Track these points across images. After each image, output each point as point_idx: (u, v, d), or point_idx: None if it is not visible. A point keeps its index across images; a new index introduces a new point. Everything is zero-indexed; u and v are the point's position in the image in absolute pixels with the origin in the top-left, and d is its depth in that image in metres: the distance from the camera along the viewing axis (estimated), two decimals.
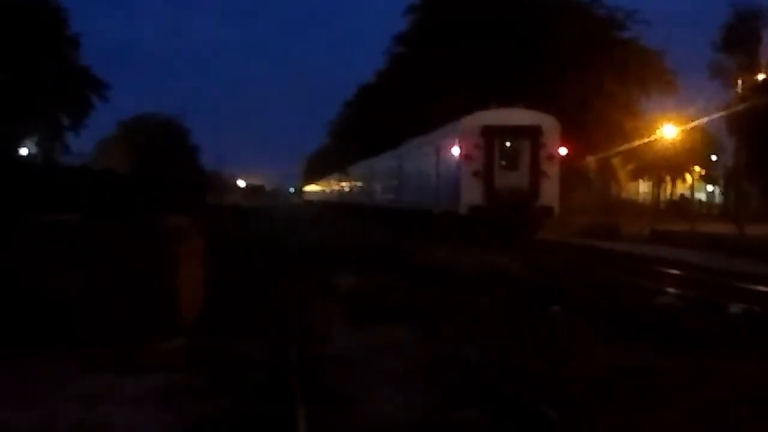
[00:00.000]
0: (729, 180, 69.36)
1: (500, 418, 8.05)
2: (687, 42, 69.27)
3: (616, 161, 63.05)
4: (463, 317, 13.92)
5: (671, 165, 67.54)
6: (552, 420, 7.76)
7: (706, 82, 58.63)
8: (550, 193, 28.81)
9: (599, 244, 31.96)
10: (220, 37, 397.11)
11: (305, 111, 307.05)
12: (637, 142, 48.71)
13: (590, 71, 47.81)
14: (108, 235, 11.45)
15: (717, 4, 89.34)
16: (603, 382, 9.42)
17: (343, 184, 77.22)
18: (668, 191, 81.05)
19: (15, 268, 11.15)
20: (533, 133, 28.68)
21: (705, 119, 47.00)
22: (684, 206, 64.69)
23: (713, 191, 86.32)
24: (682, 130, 46.43)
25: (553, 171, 28.88)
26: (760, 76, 49.92)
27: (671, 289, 17.72)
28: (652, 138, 47.98)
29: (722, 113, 47.59)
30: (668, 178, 77.46)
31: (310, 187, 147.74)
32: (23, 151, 60.26)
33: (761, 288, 17.66)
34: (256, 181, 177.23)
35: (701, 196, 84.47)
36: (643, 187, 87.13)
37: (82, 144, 72.65)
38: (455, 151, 29.56)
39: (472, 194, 28.41)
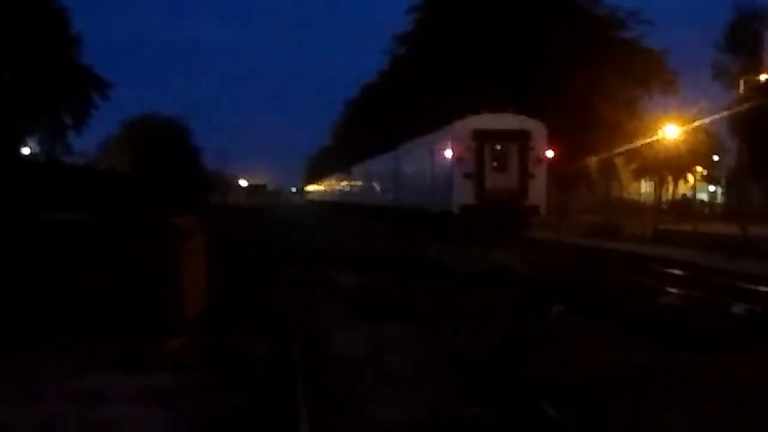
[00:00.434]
0: (731, 180, 69.28)
1: (505, 417, 8.02)
2: (689, 42, 69.17)
3: (618, 161, 63.01)
4: (466, 316, 13.91)
5: (673, 165, 67.34)
6: (556, 419, 7.73)
7: (708, 83, 58.64)
8: (537, 193, 30.32)
9: (602, 244, 31.95)
10: (224, 36, 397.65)
11: (308, 111, 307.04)
12: (639, 142, 48.64)
13: (592, 71, 47.81)
14: (112, 233, 11.46)
15: (720, 4, 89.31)
16: (608, 381, 9.40)
17: (345, 183, 77.27)
18: (670, 191, 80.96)
19: (19, 265, 11.15)
20: (522, 137, 30.22)
21: (707, 119, 46.92)
22: (686, 206, 64.67)
23: (715, 191, 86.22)
24: (684, 131, 46.31)
25: (540, 172, 30.43)
26: (763, 77, 49.80)
27: (674, 289, 17.68)
28: (654, 138, 47.89)
29: (724, 113, 47.50)
30: (670, 179, 77.31)
31: (312, 187, 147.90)
32: (25, 151, 60.28)
33: (765, 288, 17.62)
34: (258, 181, 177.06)
35: (703, 196, 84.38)
36: (645, 187, 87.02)
37: (84, 143, 72.79)
38: (448, 153, 30.98)
39: (464, 194, 29.89)
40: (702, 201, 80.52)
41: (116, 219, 12.41)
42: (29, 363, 9.74)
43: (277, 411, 7.96)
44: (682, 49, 67.64)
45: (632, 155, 59.26)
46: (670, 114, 47.34)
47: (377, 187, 53.17)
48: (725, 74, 57.46)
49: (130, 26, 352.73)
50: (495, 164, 30.09)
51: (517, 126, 30.74)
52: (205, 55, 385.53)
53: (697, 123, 46.37)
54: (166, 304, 11.10)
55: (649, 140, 48.23)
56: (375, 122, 68.32)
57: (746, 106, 43.01)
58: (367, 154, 59.64)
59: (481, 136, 30.15)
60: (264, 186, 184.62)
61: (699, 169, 74.02)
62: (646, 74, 51.41)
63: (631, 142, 48.94)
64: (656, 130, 47.29)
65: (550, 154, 31.37)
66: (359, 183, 64.44)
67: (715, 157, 75.06)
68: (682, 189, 79.25)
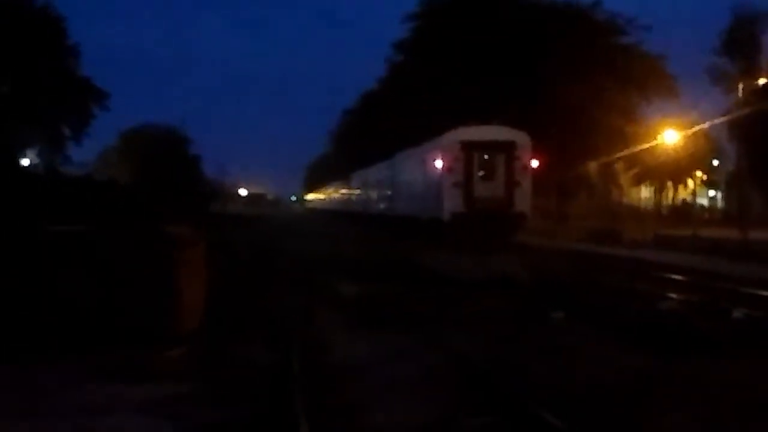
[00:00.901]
0: (731, 185, 69.30)
1: (508, 426, 8.01)
2: (688, 47, 69.31)
3: (617, 167, 62.99)
4: (467, 324, 13.91)
5: (673, 170, 67.45)
6: (557, 427, 7.72)
7: (707, 87, 58.66)
8: (523, 200, 31.25)
9: (602, 250, 31.97)
10: (223, 45, 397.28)
11: (307, 119, 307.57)
12: (638, 148, 48.67)
13: (591, 77, 47.91)
14: (112, 243, 11.45)
15: (718, 9, 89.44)
16: (610, 387, 9.40)
17: (344, 192, 77.31)
18: (670, 196, 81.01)
19: (19, 276, 11.14)
20: (508, 148, 31.16)
21: (706, 124, 46.91)
22: (686, 211, 64.68)
23: (715, 196, 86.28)
24: (684, 135, 46.35)
25: (525, 181, 31.34)
26: (761, 81, 49.84)
27: (675, 295, 17.69)
28: (653, 143, 47.93)
29: (724, 118, 47.48)
30: (670, 184, 77.41)
31: (312, 196, 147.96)
32: (25, 162, 60.28)
33: (765, 292, 17.62)
34: (258, 190, 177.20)
35: (703, 201, 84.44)
36: (645, 192, 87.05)
37: (84, 154, 72.78)
38: (438, 163, 32.30)
39: (453, 202, 30.94)
40: (702, 206, 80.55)
41: (116, 229, 12.40)
42: (29, 373, 9.73)
43: (277, 421, 7.95)
44: (681, 53, 67.90)
45: (632, 160, 59.26)
46: (670, 119, 47.39)
47: (375, 195, 53.95)
48: (724, 78, 57.52)
49: (128, 36, 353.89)
50: (483, 173, 31.21)
51: (503, 137, 31.91)
52: (204, 64, 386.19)
53: (696, 128, 46.40)
54: (165, 314, 11.09)
55: (648, 145, 48.27)
56: (374, 130, 68.35)
57: (745, 110, 43.03)
58: (366, 162, 59.71)
59: (470, 147, 31.25)
60: (263, 195, 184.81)
61: (699, 173, 74.07)
62: (645, 79, 51.48)
63: (631, 148, 49.00)
64: (656, 136, 47.34)
65: (534, 163, 32.78)
66: (358, 191, 64.60)
67: (715, 162, 75.12)
68: (682, 194, 79.31)
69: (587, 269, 24.16)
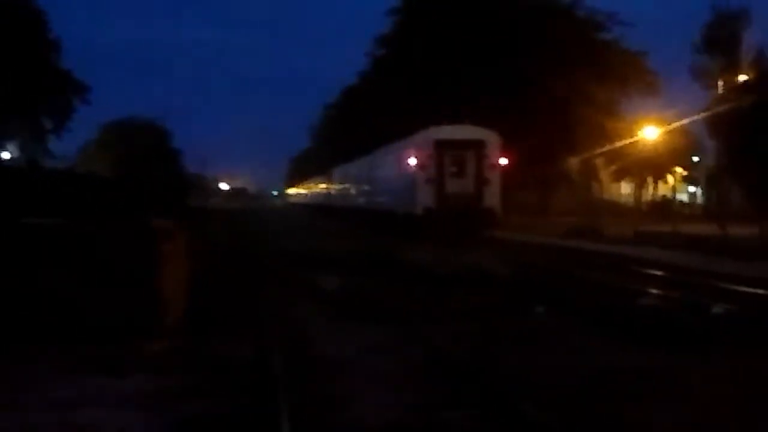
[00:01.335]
0: (710, 181, 69.70)
1: (487, 419, 8.05)
2: (669, 45, 69.57)
3: (598, 162, 63.28)
4: (446, 318, 13.96)
5: (653, 166, 67.86)
6: (537, 421, 7.77)
7: (688, 84, 58.99)
8: (492, 196, 33.10)
9: (583, 245, 32.07)
10: (204, 39, 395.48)
11: (289, 113, 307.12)
12: (618, 143, 48.92)
13: (572, 72, 48.07)
14: (92, 236, 11.42)
15: (698, 8, 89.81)
16: (590, 382, 9.46)
17: (325, 186, 77.34)
18: (650, 192, 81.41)
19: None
20: (478, 146, 33.10)
21: (687, 120, 47.21)
22: (666, 207, 65.00)
23: (695, 192, 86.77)
24: (664, 132, 46.61)
25: (494, 178, 33.21)
26: (741, 78, 50.16)
27: (654, 290, 17.77)
28: (634, 139, 48.16)
29: (704, 114, 47.82)
30: (650, 179, 77.79)
31: (293, 190, 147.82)
32: (5, 155, 59.90)
33: (744, 288, 17.74)
34: (239, 185, 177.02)
35: (683, 197, 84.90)
36: (626, 188, 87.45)
37: (65, 147, 72.40)
38: (412, 161, 34.07)
39: (425, 198, 32.90)
40: (682, 202, 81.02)
41: (96, 222, 12.36)
42: (8, 367, 9.70)
43: (259, 414, 7.96)
44: (662, 51, 68.11)
45: (613, 156, 59.54)
46: (651, 115, 47.61)
47: (355, 190, 55.22)
48: (704, 75, 57.88)
49: (109, 29, 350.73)
50: (454, 170, 32.96)
51: (473, 136, 33.64)
52: (185, 57, 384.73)
53: (676, 124, 46.67)
54: (146, 307, 11.07)
55: (629, 141, 48.51)
56: (355, 125, 68.34)
57: (725, 106, 43.31)
58: (348, 157, 59.81)
59: (442, 145, 32.99)
60: (245, 189, 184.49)
61: (678, 169, 74.47)
62: (626, 75, 51.69)
63: (612, 143, 49.21)
64: (636, 131, 47.56)
65: (503, 161, 34.08)
66: (339, 186, 64.98)
67: (695, 158, 75.53)
68: (663, 190, 79.72)
69: (568, 264, 24.24)
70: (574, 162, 55.26)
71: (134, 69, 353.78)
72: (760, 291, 17.29)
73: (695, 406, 8.59)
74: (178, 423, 7.80)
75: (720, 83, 47.15)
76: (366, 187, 49.14)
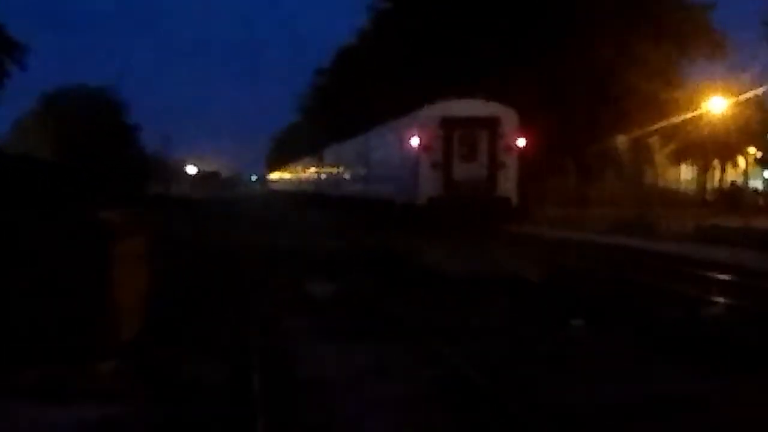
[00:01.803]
0: None
1: None
2: None
3: (652, 142, 63.15)
4: (463, 332, 13.97)
5: (720, 146, 67.62)
6: None
7: (764, 45, 58.71)
8: (507, 183, 33.55)
9: (632, 243, 32.07)
10: None
11: (271, 81, 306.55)
12: (677, 118, 48.79)
13: (620, 32, 47.87)
14: (28, 233, 11.42)
15: None
16: (634, 413, 9.48)
17: (315, 170, 77.24)
18: (716, 178, 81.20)
19: None
20: (491, 124, 33.51)
21: (762, 89, 47.11)
22: (736, 196, 64.84)
23: None
24: (734, 103, 46.53)
25: (511, 162, 33.68)
26: None
27: (720, 299, 17.78)
28: (696, 113, 48.08)
29: None
30: (716, 163, 77.57)
31: (276, 175, 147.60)
32: None
33: None
34: (210, 168, 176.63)
35: (757, 184, 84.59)
36: (686, 173, 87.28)
37: None
38: (414, 141, 34.52)
39: (430, 185, 33.33)
40: (756, 190, 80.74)
41: (33, 215, 12.36)
42: None
43: None
44: (732, 2, 67.77)
45: (670, 134, 59.39)
46: (717, 83, 47.52)
47: (348, 175, 55.94)
48: None
49: None
50: (463, 153, 33.34)
51: (486, 112, 33.96)
52: (143, 12, 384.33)
53: (749, 94, 46.58)
54: (95, 320, 11.08)
55: (690, 115, 48.42)
56: (352, 95, 68.19)
57: None
58: (343, 135, 59.73)
59: (450, 124, 33.35)
60: (217, 174, 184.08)
61: (752, 150, 74.21)
62: (687, 35, 51.44)
63: (669, 118, 49.07)
64: (699, 103, 47.47)
65: (521, 142, 34.46)
66: (331, 170, 64.99)
67: None
68: (732, 175, 79.50)
69: (613, 267, 24.25)
70: (621, 141, 55.18)
71: (81, 26, 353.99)
72: None
73: None
74: None
75: None
76: (361, 173, 49.70)
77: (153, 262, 13.76)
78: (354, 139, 53.25)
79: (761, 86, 46.89)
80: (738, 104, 47.34)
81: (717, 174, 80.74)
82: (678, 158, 77.32)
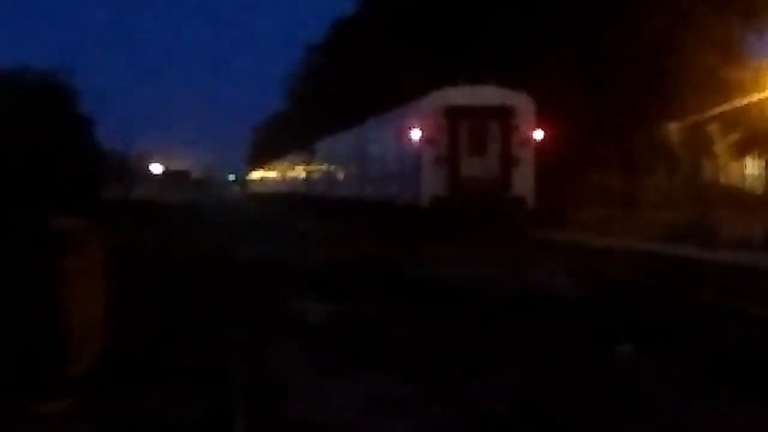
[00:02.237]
0: None
1: None
2: None
3: (711, 130, 63.13)
4: (486, 361, 13.93)
5: None
6: None
7: None
8: (522, 181, 35.41)
9: (688, 252, 32.05)
10: None
11: (253, 62, 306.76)
12: (741, 102, 48.74)
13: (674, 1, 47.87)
14: None
15: None
16: None
17: (305, 168, 77.26)
18: None
19: None
20: (504, 114, 35.47)
21: None
22: None
23: None
24: None
25: (526, 157, 35.51)
26: None
27: None
28: (764, 96, 48.02)
29: None
30: None
31: (258, 174, 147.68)
32: None
33: None
34: (179, 166, 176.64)
35: None
36: (752, 167, 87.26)
37: None
38: (416, 134, 36.10)
39: (434, 184, 35.09)
40: None
41: None
42: None
43: None
44: None
45: (733, 121, 59.38)
46: None
47: (342, 174, 57.54)
48: None
49: None
50: (472, 147, 35.26)
51: (498, 100, 35.83)
52: None
53: None
54: (42, 350, 11.07)
55: (757, 99, 48.34)
56: (352, 76, 68.13)
57: None
58: (340, 126, 59.78)
59: (456, 113, 35.22)
60: (187, 173, 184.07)
61: None
62: (754, 3, 51.39)
63: (731, 102, 49.01)
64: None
65: (539, 134, 35.98)
66: (324, 168, 65.15)
67: None
68: None
69: (667, 281, 24.23)
70: (674, 130, 55.13)
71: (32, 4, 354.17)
72: None
73: None
74: None
75: None
76: (357, 171, 50.97)
77: (112, 280, 13.74)
78: (349, 132, 54.49)
79: None
80: None
81: None
82: (742, 150, 77.13)
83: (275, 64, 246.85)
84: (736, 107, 49.53)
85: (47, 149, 63.88)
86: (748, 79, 48.84)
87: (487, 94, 36.05)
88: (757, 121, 58.79)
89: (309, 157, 74.36)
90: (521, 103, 35.68)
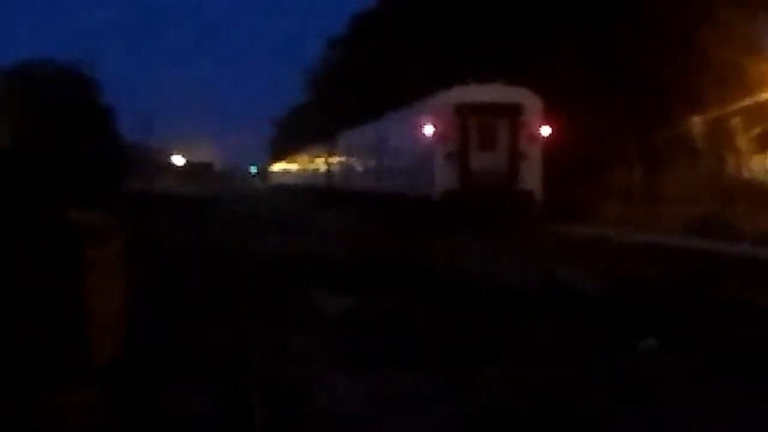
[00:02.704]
0: None
1: None
2: None
3: (734, 124, 62.89)
4: (507, 356, 13.90)
5: None
6: None
7: None
8: (530, 176, 37.12)
9: (711, 246, 31.95)
10: None
11: (276, 55, 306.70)
12: (765, 95, 48.55)
13: None
14: None
15: None
16: None
17: (327, 161, 77.20)
18: None
19: None
20: (512, 112, 37.26)
21: None
22: None
23: None
24: None
25: (534, 153, 37.31)
26: None
27: None
28: None
29: None
30: None
31: (280, 166, 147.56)
32: None
33: None
34: (201, 158, 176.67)
35: None
36: None
37: None
38: (428, 130, 37.88)
39: (446, 178, 36.72)
40: None
41: None
42: None
43: None
44: None
45: (756, 115, 59.14)
46: None
47: (361, 167, 59.13)
48: None
49: None
50: (481, 143, 36.96)
51: (507, 98, 37.61)
52: None
53: None
54: (67, 340, 11.07)
55: None
56: (373, 69, 68.04)
57: None
58: (362, 118, 59.85)
59: (466, 110, 36.91)
60: (209, 165, 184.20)
61: None
62: None
63: (755, 94, 48.81)
64: None
65: (546, 131, 37.64)
66: (345, 161, 65.41)
67: None
68: None
69: (688, 275, 24.13)
70: (696, 124, 54.94)
71: None
72: None
73: None
74: None
75: None
76: (373, 164, 52.84)
77: (134, 272, 13.75)
78: (367, 127, 56.05)
79: None
80: None
81: None
82: (765, 144, 76.94)
83: (297, 57, 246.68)
84: (759, 101, 49.31)
85: (70, 141, 63.96)
86: None
87: (497, 93, 37.71)
88: None
89: (329, 149, 74.41)
90: (529, 101, 37.30)
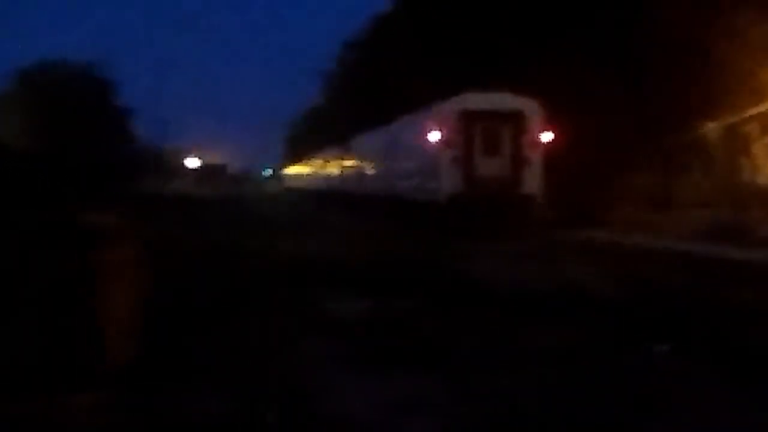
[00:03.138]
0: None
1: None
2: None
3: (749, 130, 62.76)
4: (518, 360, 13.89)
5: None
6: None
7: None
8: (532, 180, 38.62)
9: (725, 252, 31.92)
10: None
11: (290, 56, 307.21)
12: None
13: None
14: None
15: None
16: None
17: (340, 164, 77.25)
18: None
19: None
20: (515, 119, 38.85)
21: None
22: None
23: None
24: None
25: (536, 158, 38.82)
26: None
27: None
28: None
29: None
30: None
31: (294, 169, 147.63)
32: None
33: None
34: (216, 160, 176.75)
35: None
36: None
37: None
38: (434, 136, 39.26)
39: (451, 182, 38.12)
40: None
41: (3, 216, 12.39)
42: None
43: None
44: None
45: None
46: None
47: (371, 171, 60.50)
48: None
49: None
50: (485, 148, 38.42)
51: (510, 106, 39.12)
52: None
53: None
54: (80, 343, 11.09)
55: None
56: (388, 73, 68.02)
57: None
58: (377, 122, 59.92)
59: (471, 117, 38.44)
60: (223, 167, 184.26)
61: None
62: None
63: None
64: None
65: (547, 137, 39.10)
66: (358, 164, 65.82)
67: None
68: None
69: (704, 280, 24.10)
70: (711, 130, 54.84)
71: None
72: None
73: None
74: None
75: None
76: (383, 168, 54.33)
77: (148, 274, 13.76)
78: (378, 131, 57.14)
79: None
80: None
81: None
82: None
83: (312, 59, 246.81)
84: None
85: (86, 142, 64.11)
86: None
87: (501, 100, 39.18)
88: None
89: (342, 153, 74.53)
90: (531, 108, 38.78)
